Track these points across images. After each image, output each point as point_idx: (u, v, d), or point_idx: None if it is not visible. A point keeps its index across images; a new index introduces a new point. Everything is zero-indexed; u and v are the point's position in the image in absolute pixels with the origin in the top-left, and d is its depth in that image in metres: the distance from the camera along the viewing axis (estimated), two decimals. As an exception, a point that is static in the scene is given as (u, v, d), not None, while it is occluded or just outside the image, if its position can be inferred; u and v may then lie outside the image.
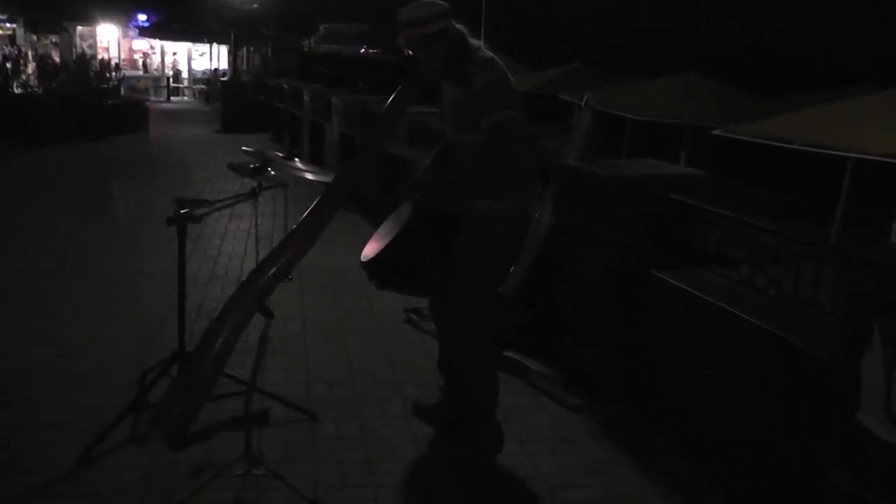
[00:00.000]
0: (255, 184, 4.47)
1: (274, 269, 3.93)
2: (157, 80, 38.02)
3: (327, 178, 4.64)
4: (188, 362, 3.89)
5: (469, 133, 4.30)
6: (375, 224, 9.28)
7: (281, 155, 4.73)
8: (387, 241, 4.37)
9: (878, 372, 3.32)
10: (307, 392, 5.37)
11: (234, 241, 9.54)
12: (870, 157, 10.54)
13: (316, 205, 4.08)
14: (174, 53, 39.63)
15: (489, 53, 4.35)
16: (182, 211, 4.46)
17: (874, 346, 3.36)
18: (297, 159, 4.74)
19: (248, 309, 3.84)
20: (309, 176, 4.61)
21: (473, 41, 4.35)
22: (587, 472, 4.56)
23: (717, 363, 4.46)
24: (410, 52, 4.31)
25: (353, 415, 5.11)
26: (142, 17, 37.27)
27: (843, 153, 10.87)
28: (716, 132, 13.05)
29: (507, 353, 5.75)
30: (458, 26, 4.31)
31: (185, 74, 39.80)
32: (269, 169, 4.40)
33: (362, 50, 33.59)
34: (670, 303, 4.83)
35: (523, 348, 5.85)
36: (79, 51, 32.02)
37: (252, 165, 4.43)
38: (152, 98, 32.74)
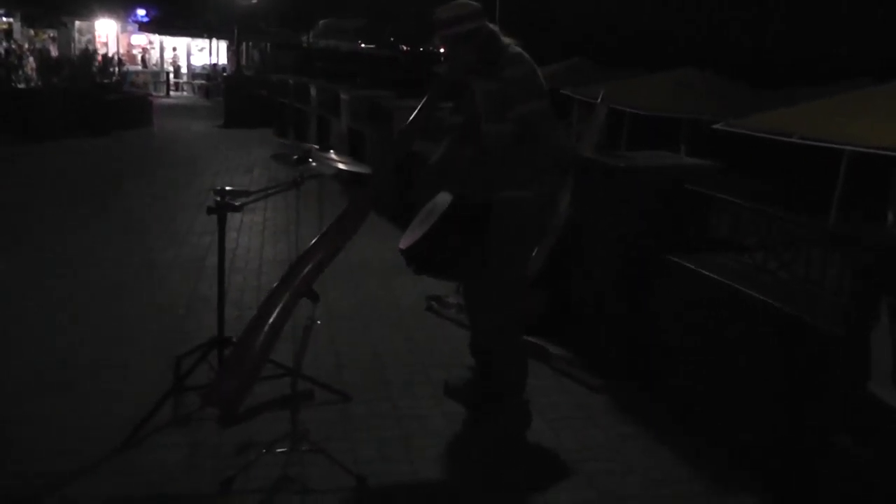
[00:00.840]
0: (296, 174, 4.68)
1: (318, 257, 4.19)
2: (156, 75, 38.07)
3: (361, 169, 4.89)
4: (240, 342, 4.12)
5: (499, 124, 4.54)
6: (389, 218, 9.54)
7: (317, 147, 4.95)
8: (425, 229, 4.62)
9: (886, 345, 3.57)
10: (338, 375, 5.59)
11: (249, 234, 9.76)
12: (864, 150, 10.86)
13: (355, 200, 4.35)
14: (174, 49, 39.68)
15: (518, 49, 4.61)
16: (222, 200, 4.71)
17: (881, 321, 3.61)
18: (332, 150, 4.97)
19: (296, 293, 4.10)
20: (343, 166, 4.84)
21: (504, 38, 4.61)
22: (610, 447, 4.81)
23: (733, 342, 4.71)
24: (445, 50, 4.57)
25: (385, 396, 5.35)
26: (141, 12, 37.36)
27: (838, 146, 11.18)
28: (717, 126, 13.36)
29: (529, 338, 5.98)
30: (491, 25, 4.57)
31: (184, 70, 39.87)
32: (311, 160, 4.63)
33: (362, 45, 33.83)
34: (686, 286, 5.08)
35: (543, 332, 6.08)
36: (78, 45, 32.13)
37: (295, 156, 4.67)
38: (152, 93, 32.84)
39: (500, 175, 4.63)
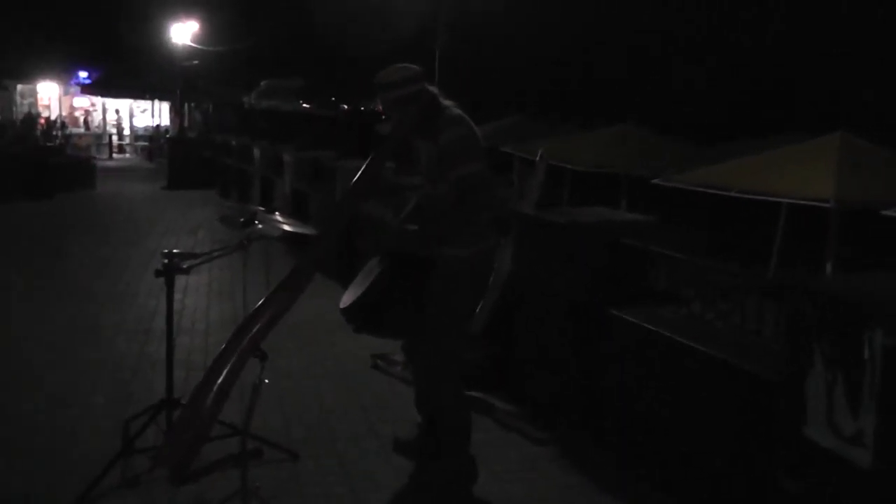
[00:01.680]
0: (242, 237, 4.76)
1: (266, 316, 4.26)
2: (98, 137, 37.86)
3: (306, 230, 4.99)
4: (190, 402, 4.17)
5: (439, 185, 4.66)
6: (334, 278, 9.60)
7: (262, 209, 5.05)
8: (363, 287, 4.71)
9: (820, 390, 3.72)
10: (286, 433, 5.62)
11: (196, 295, 9.77)
12: (797, 202, 11.19)
13: (301, 260, 4.44)
14: (117, 110, 39.54)
15: (458, 111, 4.74)
16: (170, 263, 4.78)
17: (815, 367, 3.76)
18: (277, 213, 5.06)
19: (244, 353, 4.16)
20: (288, 228, 4.92)
21: (444, 101, 4.74)
22: (558, 498, 4.90)
23: (674, 390, 4.85)
24: (386, 112, 4.69)
25: (333, 452, 5.39)
26: (83, 74, 37.29)
27: (774, 199, 11.51)
28: (656, 181, 13.65)
29: (473, 393, 6.05)
30: (431, 88, 4.70)
31: (126, 131, 39.70)
32: (257, 222, 4.71)
33: (304, 105, 34.02)
34: (627, 338, 5.21)
35: (487, 386, 6.17)
36: (20, 109, 31.99)
37: (241, 219, 4.75)
38: (95, 155, 32.66)
39: (439, 233, 4.72)
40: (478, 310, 5.69)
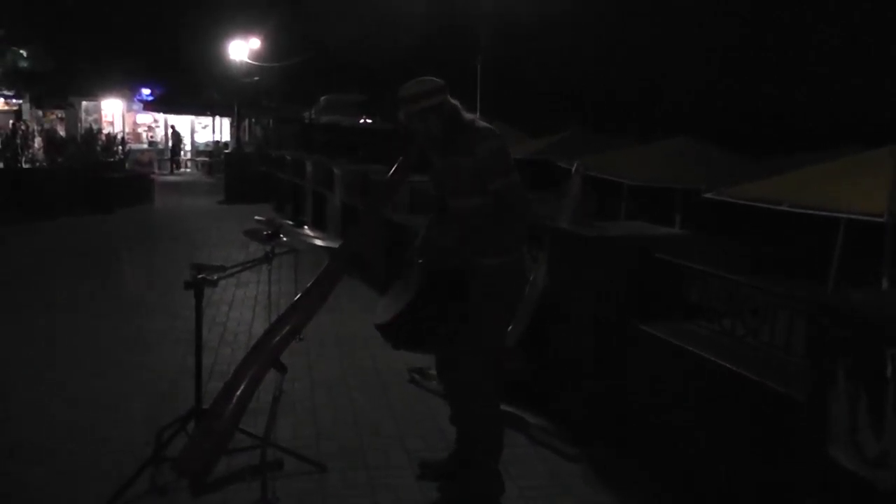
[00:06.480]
0: (267, 249, 4.81)
1: (286, 329, 4.28)
2: (160, 152, 38.48)
3: (334, 244, 5.00)
4: (210, 413, 4.21)
5: (475, 198, 4.65)
6: (377, 288, 9.64)
7: (290, 222, 5.08)
8: (401, 304, 4.69)
9: (843, 409, 3.63)
10: (316, 445, 5.64)
11: (241, 308, 9.85)
12: (853, 217, 10.97)
13: (323, 270, 4.44)
14: (172, 126, 40.05)
15: (486, 124, 4.73)
16: (199, 276, 4.82)
17: (839, 386, 3.67)
18: (305, 226, 5.10)
19: (264, 364, 4.19)
20: (317, 242, 4.96)
21: (466, 114, 4.73)
22: (582, 515, 4.85)
23: (702, 407, 4.78)
24: (409, 125, 4.70)
25: (361, 465, 5.39)
26: (146, 92, 37.98)
27: (825, 213, 11.31)
28: (707, 195, 13.51)
29: (506, 408, 6.01)
30: (453, 101, 4.70)
31: (187, 147, 40.27)
32: (281, 235, 4.75)
33: (361, 120, 34.27)
34: (657, 354, 5.16)
35: (519, 400, 6.13)
36: (84, 125, 32.62)
37: (265, 232, 4.79)
38: (156, 171, 33.16)
39: (476, 245, 4.71)
40: (511, 326, 5.68)
